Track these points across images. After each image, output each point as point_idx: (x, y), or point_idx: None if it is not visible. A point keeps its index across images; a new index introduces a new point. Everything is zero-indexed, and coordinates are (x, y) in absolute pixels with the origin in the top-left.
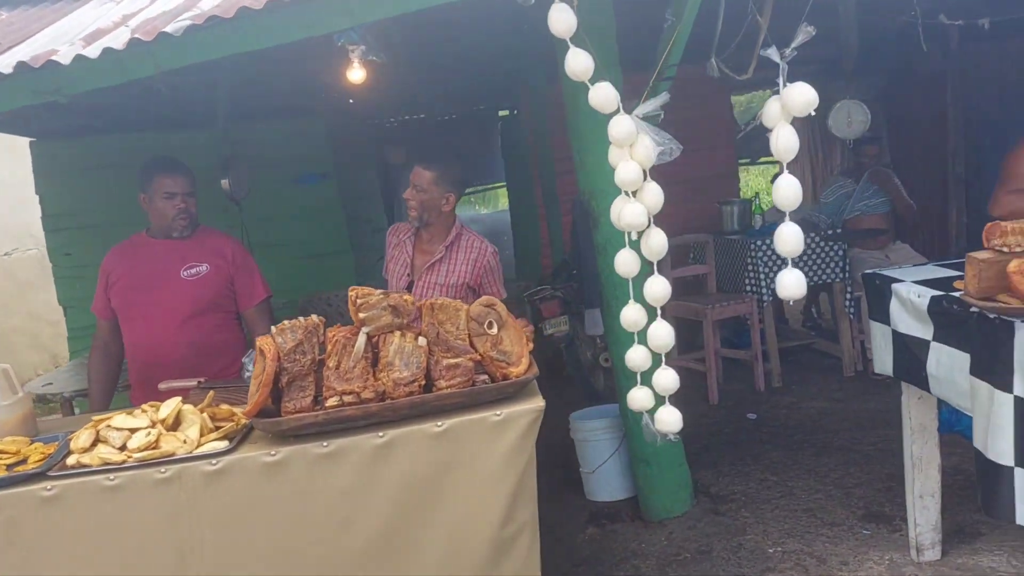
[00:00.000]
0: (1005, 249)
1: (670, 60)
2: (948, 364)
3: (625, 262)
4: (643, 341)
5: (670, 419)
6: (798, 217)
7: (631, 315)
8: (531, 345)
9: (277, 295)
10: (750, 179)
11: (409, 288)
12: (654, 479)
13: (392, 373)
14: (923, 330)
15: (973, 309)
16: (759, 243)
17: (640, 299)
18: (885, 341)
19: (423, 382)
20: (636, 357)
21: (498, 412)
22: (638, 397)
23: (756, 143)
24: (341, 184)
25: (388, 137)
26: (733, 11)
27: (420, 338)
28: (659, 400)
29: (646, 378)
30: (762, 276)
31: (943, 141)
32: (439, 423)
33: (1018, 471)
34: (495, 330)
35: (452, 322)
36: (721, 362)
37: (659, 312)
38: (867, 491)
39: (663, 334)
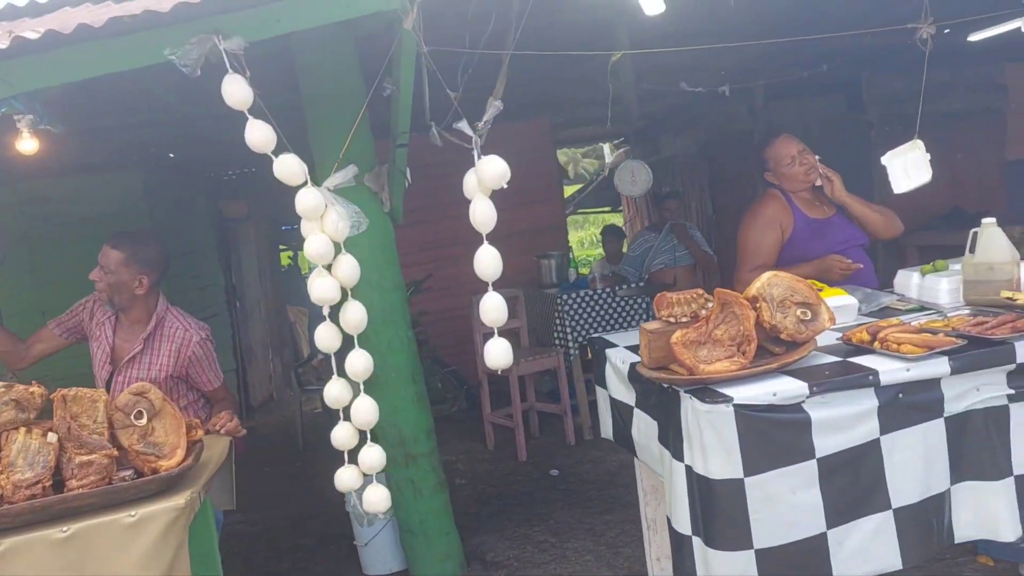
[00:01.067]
0: (672, 320)
1: (399, 128)
2: (646, 431)
3: (324, 337)
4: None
5: (377, 498)
6: (597, 272)
7: (333, 391)
8: (200, 432)
9: None
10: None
11: (110, 380)
12: (420, 550)
13: (13, 475)
14: (628, 396)
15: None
16: (565, 297)
17: (344, 374)
18: (605, 405)
19: (50, 482)
20: (342, 435)
21: (132, 512)
22: (344, 477)
23: (610, 192)
24: (162, 241)
25: (225, 190)
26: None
27: (50, 434)
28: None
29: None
30: (568, 329)
31: (755, 194)
32: (64, 528)
33: (696, 540)
34: (144, 420)
35: (88, 414)
36: (537, 416)
37: (361, 388)
38: (635, 550)
39: (366, 410)
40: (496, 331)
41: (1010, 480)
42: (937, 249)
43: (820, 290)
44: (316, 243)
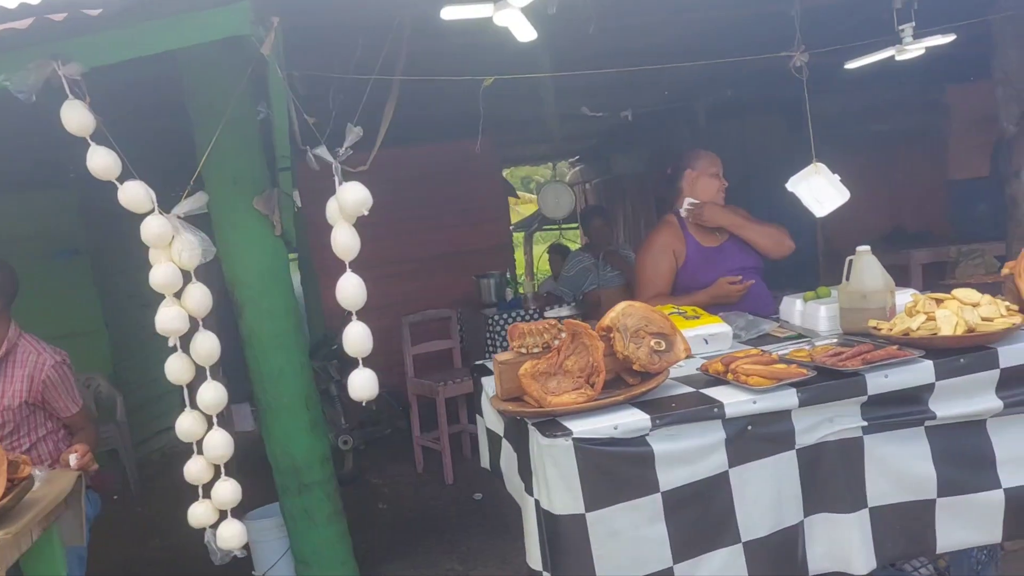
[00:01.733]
0: (524, 351)
1: (279, 151)
2: (509, 462)
3: (175, 368)
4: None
5: (231, 535)
6: (544, 290)
7: (185, 424)
8: (27, 470)
9: None
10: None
11: None
12: None
13: None
14: (498, 425)
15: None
16: (496, 317)
17: (196, 406)
18: (482, 433)
19: None
20: (195, 470)
21: None
22: (197, 513)
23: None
24: (99, 259)
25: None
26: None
27: None
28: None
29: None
30: (498, 350)
31: None
32: None
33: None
34: None
35: None
36: (470, 439)
37: (214, 420)
38: None
39: (219, 444)
40: (361, 362)
41: (864, 512)
42: None
43: (698, 316)
44: (162, 272)
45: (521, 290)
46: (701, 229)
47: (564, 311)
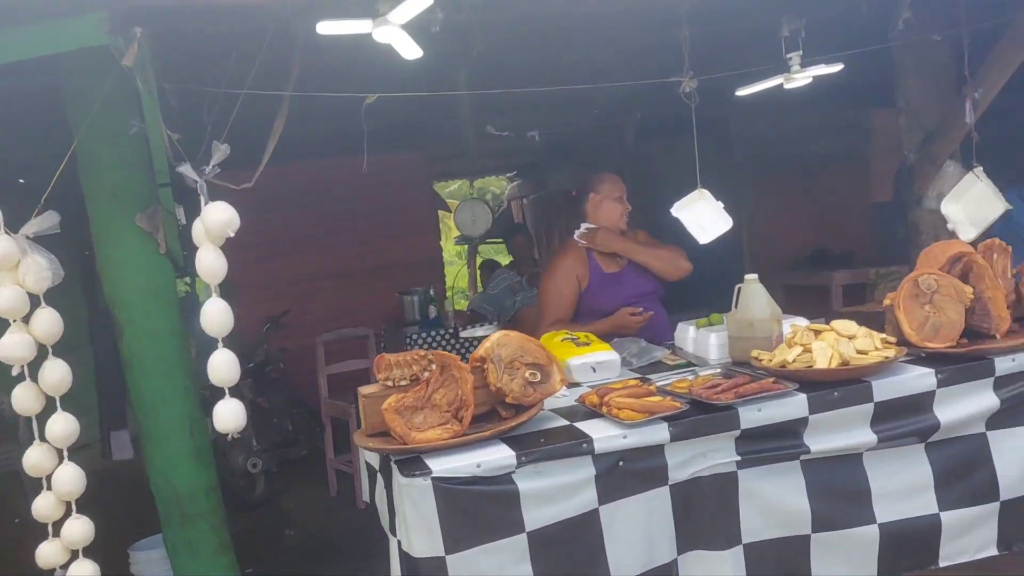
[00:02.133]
0: (390, 383)
1: (156, 166)
2: (382, 498)
3: (22, 398)
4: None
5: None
6: (472, 307)
7: (33, 458)
8: None
9: None
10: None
11: None
12: None
13: None
14: (374, 459)
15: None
16: (415, 336)
17: (46, 439)
18: (363, 466)
19: None
20: (43, 507)
21: None
22: (45, 553)
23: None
24: None
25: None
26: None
27: None
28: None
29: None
30: None
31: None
32: None
33: None
34: None
35: None
36: None
37: (65, 454)
38: None
39: (70, 479)
40: (227, 391)
41: (738, 549)
42: (803, 289)
43: (588, 343)
44: (6, 296)
45: (458, 306)
46: (603, 254)
47: (484, 330)
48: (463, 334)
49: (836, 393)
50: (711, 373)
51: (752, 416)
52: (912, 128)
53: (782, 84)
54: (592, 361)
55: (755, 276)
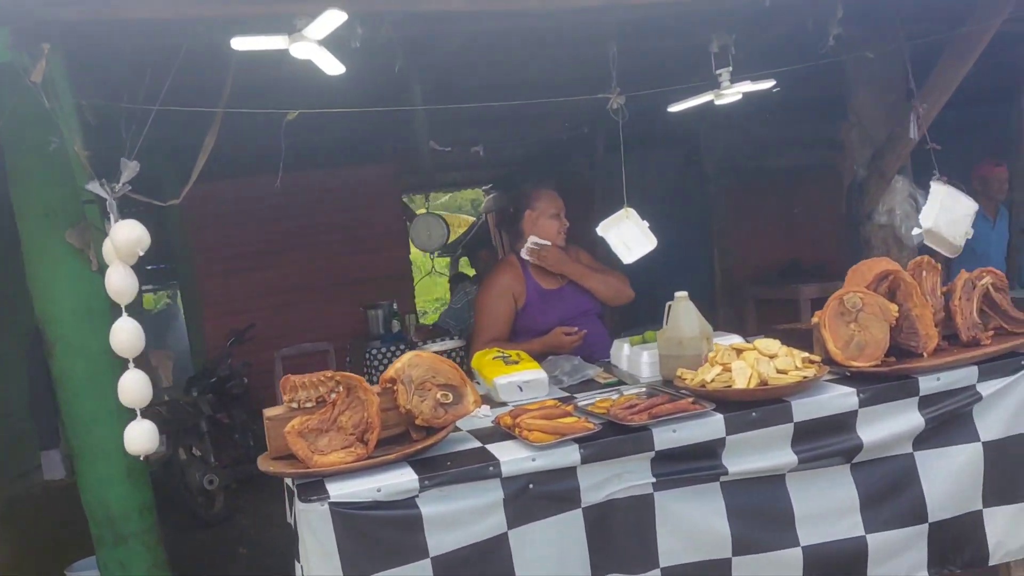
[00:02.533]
0: (295, 405)
1: (79, 183)
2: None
3: None
4: None
5: None
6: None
7: None
8: None
9: None
10: None
11: None
12: None
13: None
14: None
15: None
16: (375, 351)
17: None
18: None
19: None
20: None
21: None
22: None
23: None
24: None
25: None
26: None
27: None
28: None
29: None
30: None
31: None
32: None
33: None
34: None
35: None
36: None
37: None
38: None
39: None
40: (139, 412)
41: (655, 573)
42: (774, 303)
43: (518, 361)
44: None
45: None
46: (542, 271)
47: (447, 344)
48: (431, 347)
49: (754, 414)
50: (634, 392)
51: (667, 437)
52: (863, 143)
53: (712, 100)
54: (518, 380)
55: (684, 293)
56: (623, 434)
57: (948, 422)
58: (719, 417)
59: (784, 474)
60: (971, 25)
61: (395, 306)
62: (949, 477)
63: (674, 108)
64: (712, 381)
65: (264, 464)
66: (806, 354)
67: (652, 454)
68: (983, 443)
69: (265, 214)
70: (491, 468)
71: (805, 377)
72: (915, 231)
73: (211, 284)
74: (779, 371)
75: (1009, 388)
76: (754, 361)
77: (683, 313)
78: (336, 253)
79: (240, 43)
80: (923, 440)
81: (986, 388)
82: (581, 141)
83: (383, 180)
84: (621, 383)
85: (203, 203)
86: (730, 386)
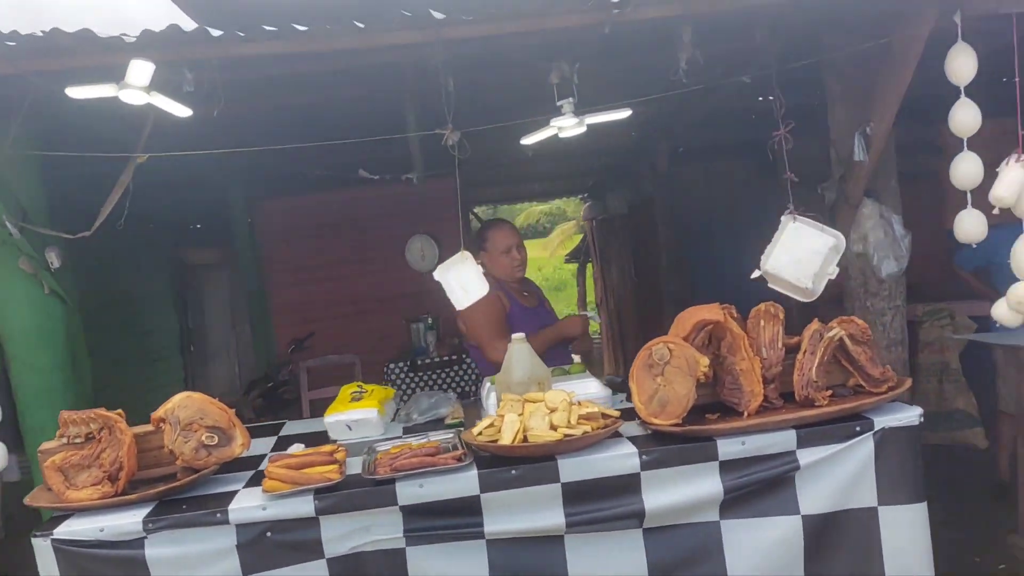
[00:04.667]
0: (66, 439)
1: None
2: None
3: None
4: None
5: None
6: None
7: None
8: None
9: None
10: None
11: None
12: None
13: None
14: None
15: None
16: (391, 365)
17: None
18: None
19: None
20: None
21: None
22: None
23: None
24: None
25: (190, 239)
26: None
27: None
28: None
29: None
30: None
31: (658, 257)
32: None
33: None
34: None
35: None
36: None
37: None
38: None
39: None
40: None
41: None
42: None
43: (360, 398)
44: None
45: None
46: (518, 291)
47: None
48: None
49: (514, 471)
50: (429, 440)
51: (412, 492)
52: (837, 163)
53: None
54: (347, 419)
55: (522, 336)
56: (367, 487)
57: (762, 490)
58: (473, 473)
59: (562, 535)
60: (897, 34)
61: (430, 320)
62: (759, 551)
63: (526, 140)
64: (479, 434)
65: (31, 498)
66: (598, 409)
67: (396, 508)
68: (803, 516)
69: (332, 228)
70: (218, 515)
71: (568, 436)
72: (887, 262)
73: (279, 293)
74: (553, 426)
75: (839, 457)
76: (528, 414)
77: (515, 356)
78: (395, 266)
79: (74, 92)
80: (731, 508)
81: (808, 456)
82: (644, 153)
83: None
84: (461, 425)
85: (274, 218)
86: (495, 440)
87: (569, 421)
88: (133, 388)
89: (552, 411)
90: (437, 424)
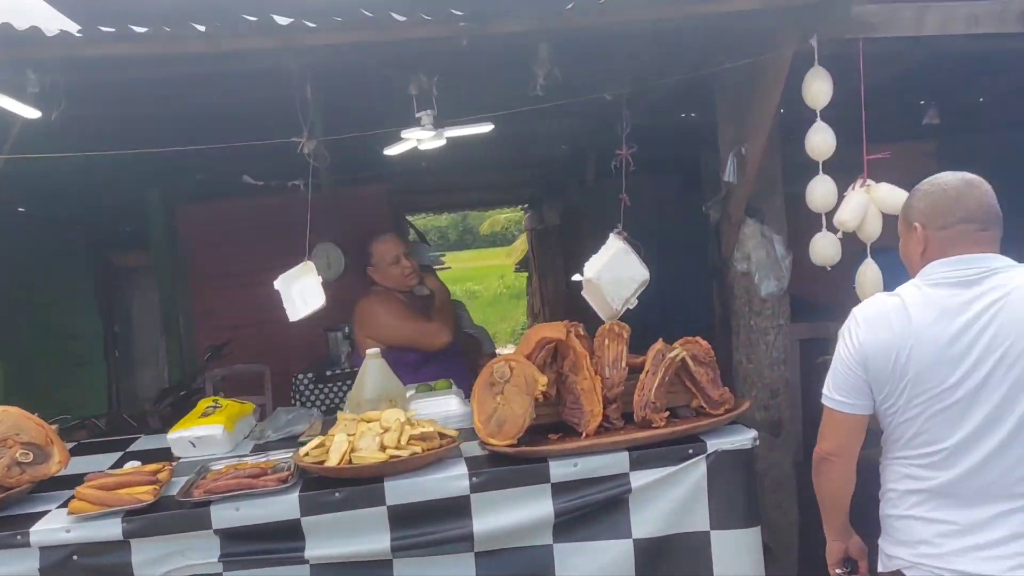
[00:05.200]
0: None
1: None
2: None
3: None
4: None
5: None
6: None
7: None
8: None
9: None
10: None
11: None
12: None
13: None
14: None
15: None
16: (300, 376)
17: None
18: None
19: None
20: None
21: None
22: None
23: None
24: None
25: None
26: None
27: None
28: None
29: None
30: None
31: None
32: None
33: None
34: None
35: None
36: None
37: None
38: None
39: None
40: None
41: None
42: None
43: (210, 413)
44: None
45: None
46: (412, 302)
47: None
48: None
49: (337, 494)
50: (258, 460)
51: (229, 516)
52: (725, 182)
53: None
54: (190, 436)
55: (376, 351)
56: (180, 509)
57: (595, 513)
58: (293, 496)
59: (391, 559)
60: (764, 55)
61: (347, 329)
62: (591, 575)
63: (389, 151)
64: (305, 456)
65: None
66: (435, 429)
67: (210, 532)
68: (635, 540)
69: (258, 234)
70: (19, 537)
71: (396, 457)
72: (767, 281)
73: (199, 299)
74: (384, 447)
75: (671, 479)
76: (360, 434)
77: (368, 372)
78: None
79: None
80: (564, 531)
81: (640, 478)
82: (574, 167)
83: (376, 200)
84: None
85: (196, 222)
86: (322, 462)
87: (399, 442)
88: (52, 392)
89: (385, 431)
90: (292, 442)
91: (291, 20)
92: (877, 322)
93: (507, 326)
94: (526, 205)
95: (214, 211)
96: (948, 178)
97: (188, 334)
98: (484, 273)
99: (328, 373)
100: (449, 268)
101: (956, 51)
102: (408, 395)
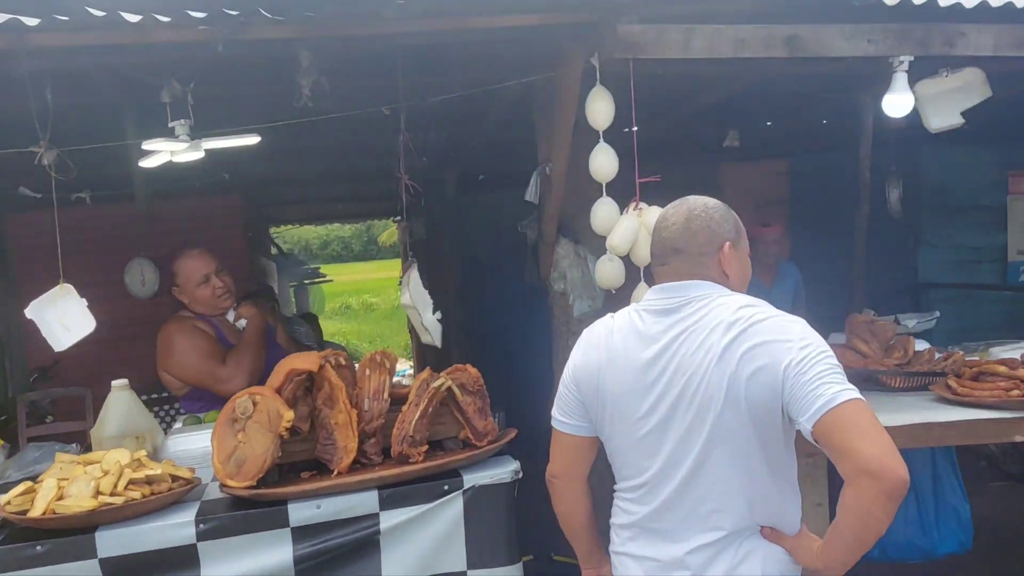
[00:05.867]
0: None
1: None
2: None
3: None
4: None
5: None
6: None
7: None
8: None
9: None
10: None
11: None
12: None
13: None
14: None
15: None
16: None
17: None
18: None
19: None
20: None
21: None
22: None
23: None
24: None
25: None
26: None
27: None
28: None
29: None
30: None
31: (446, 286)
32: None
33: None
34: None
35: None
36: None
37: None
38: None
39: None
40: None
41: None
42: None
43: None
44: None
45: None
46: (228, 327)
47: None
48: None
49: (39, 547)
50: None
51: None
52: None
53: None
54: None
55: (124, 382)
56: None
57: (344, 557)
58: None
59: None
60: (555, 72)
61: None
62: None
63: (144, 164)
64: (7, 504)
65: None
66: (166, 471)
67: None
68: None
69: (100, 245)
70: None
71: (107, 504)
72: (580, 301)
73: (29, 292)
74: (100, 492)
75: (425, 518)
76: (74, 479)
77: (112, 406)
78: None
79: None
80: None
81: (391, 518)
82: (435, 180)
83: (228, 211)
84: None
85: (28, 232)
86: (26, 512)
87: (116, 487)
88: None
89: (105, 474)
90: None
91: (8, 17)
92: (588, 343)
93: (402, 339)
94: (399, 217)
95: (48, 221)
96: (668, 211)
97: (18, 354)
98: (383, 285)
99: (155, 396)
100: (331, 280)
101: (789, 72)
102: (175, 427)
